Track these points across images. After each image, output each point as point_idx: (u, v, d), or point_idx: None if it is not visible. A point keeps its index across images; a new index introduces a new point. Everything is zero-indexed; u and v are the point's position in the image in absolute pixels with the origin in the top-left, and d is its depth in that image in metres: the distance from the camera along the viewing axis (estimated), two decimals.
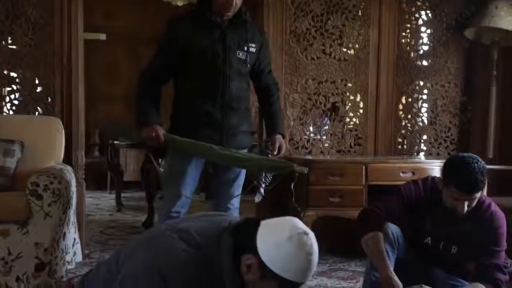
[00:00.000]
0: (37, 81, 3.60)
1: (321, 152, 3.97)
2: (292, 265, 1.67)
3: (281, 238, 1.67)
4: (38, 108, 3.61)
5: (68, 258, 3.06)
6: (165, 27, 2.74)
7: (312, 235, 1.72)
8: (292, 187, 2.73)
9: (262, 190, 2.75)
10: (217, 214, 2.04)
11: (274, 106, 2.90)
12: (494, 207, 2.56)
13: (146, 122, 2.70)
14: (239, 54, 2.71)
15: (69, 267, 3.09)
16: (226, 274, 1.70)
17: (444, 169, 2.52)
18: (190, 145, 2.68)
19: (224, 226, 1.79)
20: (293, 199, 2.68)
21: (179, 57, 2.69)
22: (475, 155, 2.48)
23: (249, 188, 2.83)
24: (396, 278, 2.39)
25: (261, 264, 1.67)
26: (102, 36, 6.65)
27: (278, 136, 2.83)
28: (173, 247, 1.73)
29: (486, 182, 2.44)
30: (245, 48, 2.72)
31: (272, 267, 1.66)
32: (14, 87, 3.61)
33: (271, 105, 2.89)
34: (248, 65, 2.76)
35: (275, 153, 2.79)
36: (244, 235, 1.73)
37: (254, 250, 1.68)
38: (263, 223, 1.75)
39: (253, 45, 2.76)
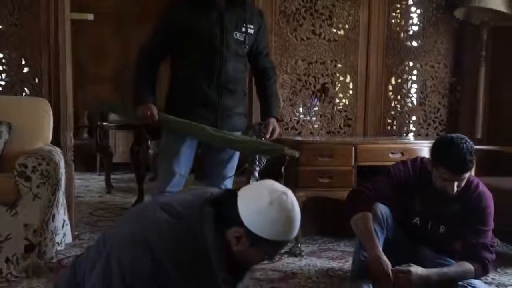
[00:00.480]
0: (23, 62, 3.55)
1: (311, 133, 3.97)
2: (278, 227, 1.72)
3: (262, 204, 1.71)
4: (25, 89, 3.55)
5: (57, 239, 3.06)
6: (164, 7, 2.72)
7: (290, 193, 1.76)
8: (282, 170, 2.73)
9: (256, 174, 2.76)
10: (201, 188, 2.06)
11: (270, 90, 2.90)
12: (482, 187, 2.58)
13: (142, 101, 2.71)
14: (236, 35, 2.70)
15: (58, 248, 3.10)
16: (210, 247, 1.72)
17: (433, 150, 2.53)
18: (183, 125, 2.69)
19: (206, 197, 1.82)
20: (283, 182, 2.68)
21: (177, 36, 2.68)
22: (463, 136, 2.49)
23: (242, 170, 2.84)
24: (384, 257, 2.42)
25: (249, 234, 1.71)
26: (90, 16, 6.53)
27: (272, 120, 2.83)
28: (156, 218, 1.75)
29: (475, 162, 2.46)
30: (243, 29, 2.71)
31: (259, 233, 1.71)
32: (0, 67, 3.56)
33: (267, 89, 2.90)
34: (247, 46, 2.75)
35: (268, 136, 2.79)
36: (225, 204, 1.76)
37: (239, 222, 1.71)
38: (241, 190, 1.78)
39: (252, 26, 2.74)
